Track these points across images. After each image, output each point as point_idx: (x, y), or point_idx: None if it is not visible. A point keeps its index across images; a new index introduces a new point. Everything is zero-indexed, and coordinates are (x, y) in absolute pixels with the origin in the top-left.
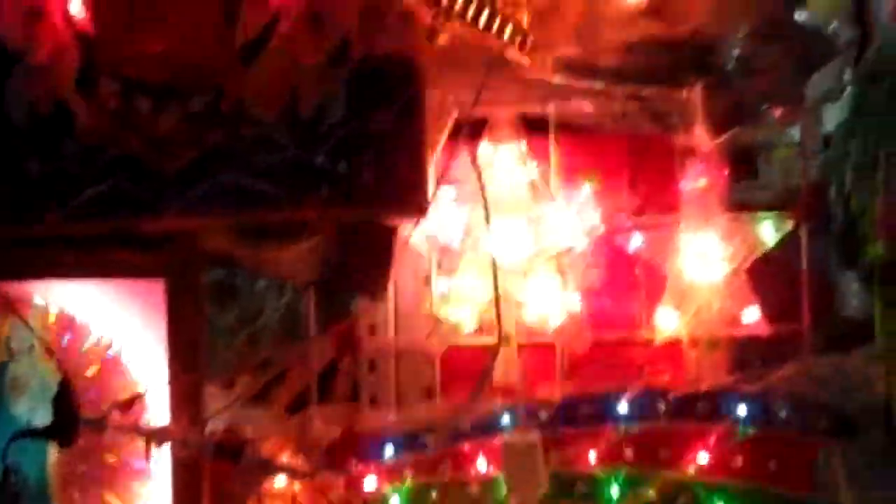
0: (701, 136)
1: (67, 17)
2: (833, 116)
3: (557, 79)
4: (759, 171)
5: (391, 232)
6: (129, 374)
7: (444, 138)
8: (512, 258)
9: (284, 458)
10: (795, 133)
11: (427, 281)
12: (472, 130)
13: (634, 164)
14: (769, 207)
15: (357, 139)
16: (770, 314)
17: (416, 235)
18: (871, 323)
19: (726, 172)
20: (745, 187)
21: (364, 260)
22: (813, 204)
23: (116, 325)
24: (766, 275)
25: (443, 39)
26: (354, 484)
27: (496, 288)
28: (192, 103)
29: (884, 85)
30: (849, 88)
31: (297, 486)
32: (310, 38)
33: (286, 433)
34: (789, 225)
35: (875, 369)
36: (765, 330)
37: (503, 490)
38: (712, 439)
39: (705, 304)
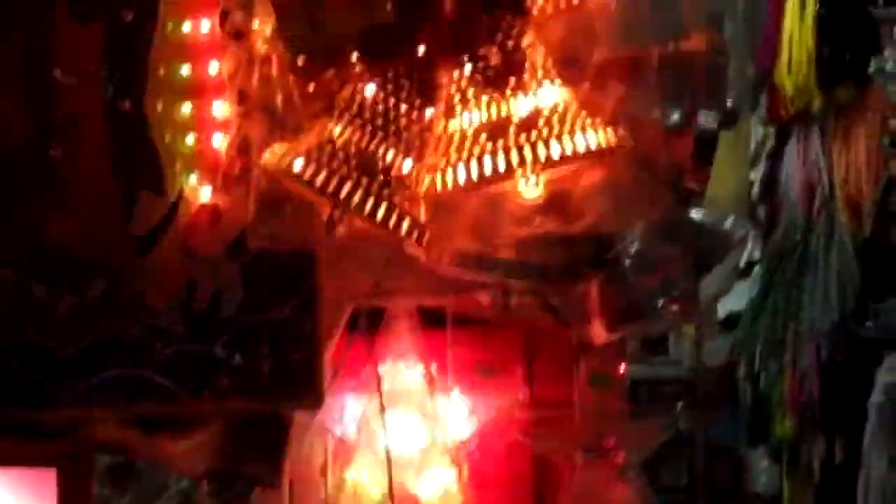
0: (597, 331)
1: None
2: (740, 295)
3: (454, 273)
4: (671, 347)
5: (287, 422)
6: None
7: (340, 330)
8: (406, 451)
9: None
10: None
11: (322, 471)
12: (368, 322)
13: (530, 358)
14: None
15: (253, 330)
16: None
17: (311, 426)
18: (779, 499)
19: (623, 367)
20: (657, 363)
21: (259, 451)
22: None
23: None
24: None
25: (340, 232)
26: None
27: (390, 480)
28: (88, 292)
29: (790, 264)
30: (756, 268)
31: None
32: (207, 229)
33: None
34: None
35: None
36: None
37: None
38: None
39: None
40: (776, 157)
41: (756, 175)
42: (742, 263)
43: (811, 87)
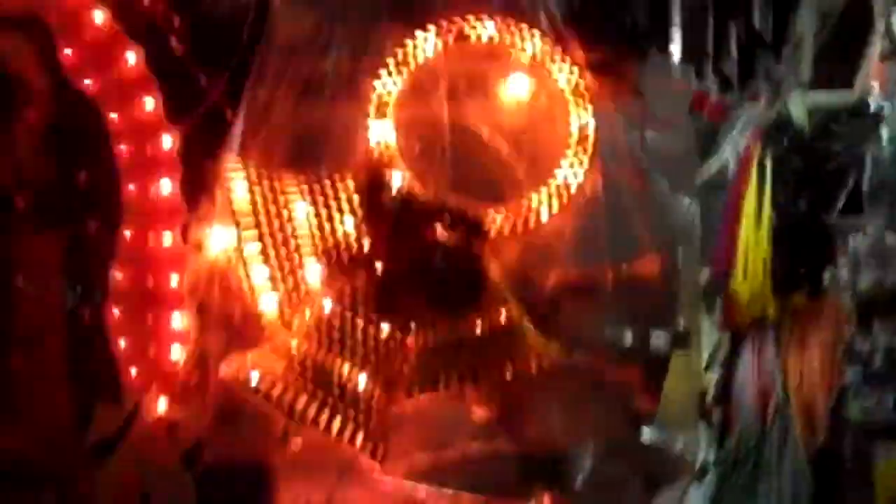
0: None
1: None
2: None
3: (408, 487)
4: None
5: None
6: None
7: None
8: None
9: None
10: None
11: None
12: None
13: None
14: None
15: None
16: None
17: None
18: None
19: None
20: None
21: None
22: None
23: None
24: None
25: (295, 444)
26: None
27: None
28: (41, 499)
29: (744, 470)
30: (710, 473)
31: None
32: (164, 440)
33: None
34: None
35: None
36: None
37: None
38: None
39: None
40: (731, 363)
41: (711, 379)
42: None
43: (766, 294)
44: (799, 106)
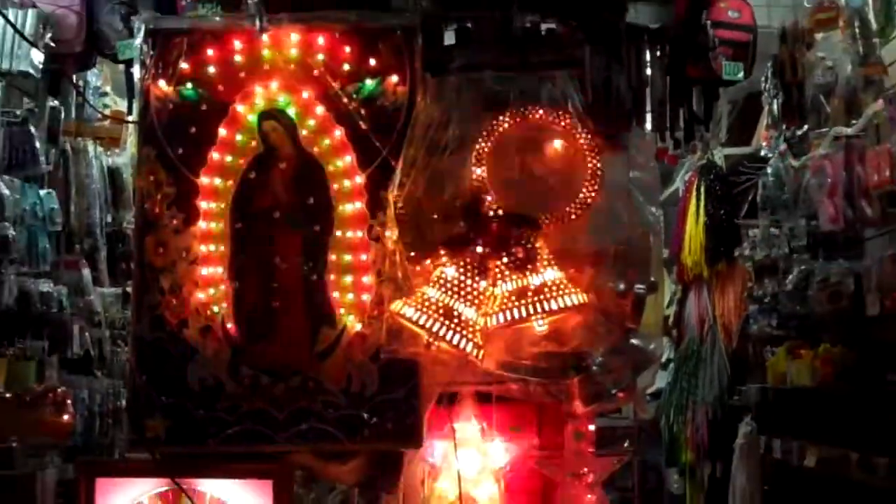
0: (578, 406)
1: None
2: (661, 379)
3: (497, 373)
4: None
5: (401, 455)
6: None
7: (431, 404)
8: (469, 472)
9: None
10: None
11: (421, 483)
12: (448, 400)
13: (539, 420)
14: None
15: (385, 401)
16: None
17: (415, 457)
18: (683, 497)
19: (592, 427)
20: (613, 419)
21: (386, 471)
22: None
23: None
24: None
25: (434, 349)
26: None
27: (460, 489)
28: (291, 382)
29: (690, 362)
30: (671, 364)
31: None
32: (358, 347)
33: None
34: None
35: None
36: None
37: None
38: None
39: None
40: (682, 302)
41: (670, 311)
42: (662, 361)
43: (702, 262)
44: (719, 155)
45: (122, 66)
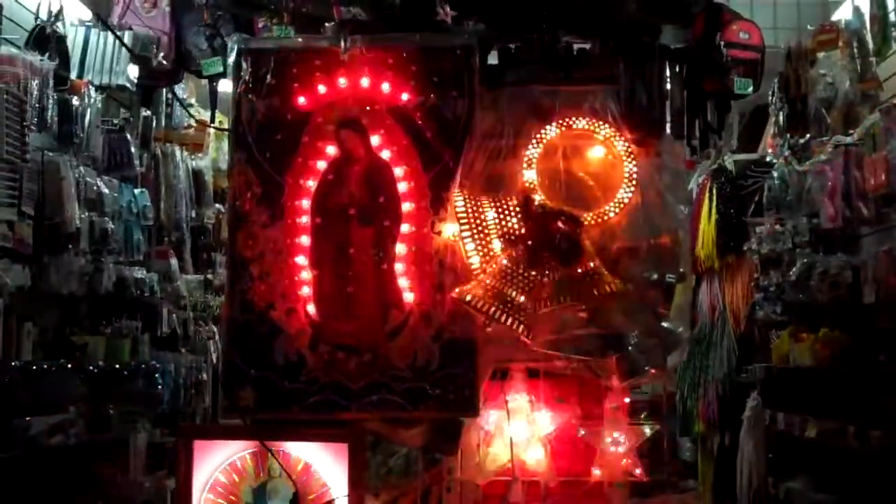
0: (615, 381)
1: None
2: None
3: (545, 351)
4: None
5: (460, 422)
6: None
7: (486, 377)
8: (519, 438)
9: None
10: None
11: (477, 447)
12: (501, 374)
13: (581, 393)
14: (650, 402)
15: (447, 375)
16: None
17: (472, 424)
18: (696, 465)
19: (626, 399)
20: (639, 393)
21: (447, 437)
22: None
23: (326, 465)
24: None
25: (489, 329)
26: None
27: (511, 453)
28: (364, 357)
29: (702, 344)
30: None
31: None
32: (422, 326)
33: None
34: None
35: None
36: None
37: None
38: None
39: None
40: (695, 290)
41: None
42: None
43: (713, 256)
44: (729, 160)
45: (205, 81)
